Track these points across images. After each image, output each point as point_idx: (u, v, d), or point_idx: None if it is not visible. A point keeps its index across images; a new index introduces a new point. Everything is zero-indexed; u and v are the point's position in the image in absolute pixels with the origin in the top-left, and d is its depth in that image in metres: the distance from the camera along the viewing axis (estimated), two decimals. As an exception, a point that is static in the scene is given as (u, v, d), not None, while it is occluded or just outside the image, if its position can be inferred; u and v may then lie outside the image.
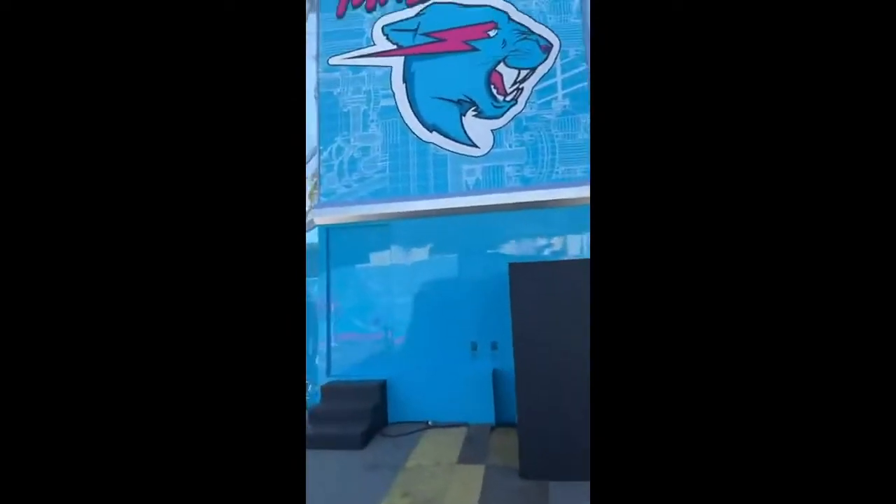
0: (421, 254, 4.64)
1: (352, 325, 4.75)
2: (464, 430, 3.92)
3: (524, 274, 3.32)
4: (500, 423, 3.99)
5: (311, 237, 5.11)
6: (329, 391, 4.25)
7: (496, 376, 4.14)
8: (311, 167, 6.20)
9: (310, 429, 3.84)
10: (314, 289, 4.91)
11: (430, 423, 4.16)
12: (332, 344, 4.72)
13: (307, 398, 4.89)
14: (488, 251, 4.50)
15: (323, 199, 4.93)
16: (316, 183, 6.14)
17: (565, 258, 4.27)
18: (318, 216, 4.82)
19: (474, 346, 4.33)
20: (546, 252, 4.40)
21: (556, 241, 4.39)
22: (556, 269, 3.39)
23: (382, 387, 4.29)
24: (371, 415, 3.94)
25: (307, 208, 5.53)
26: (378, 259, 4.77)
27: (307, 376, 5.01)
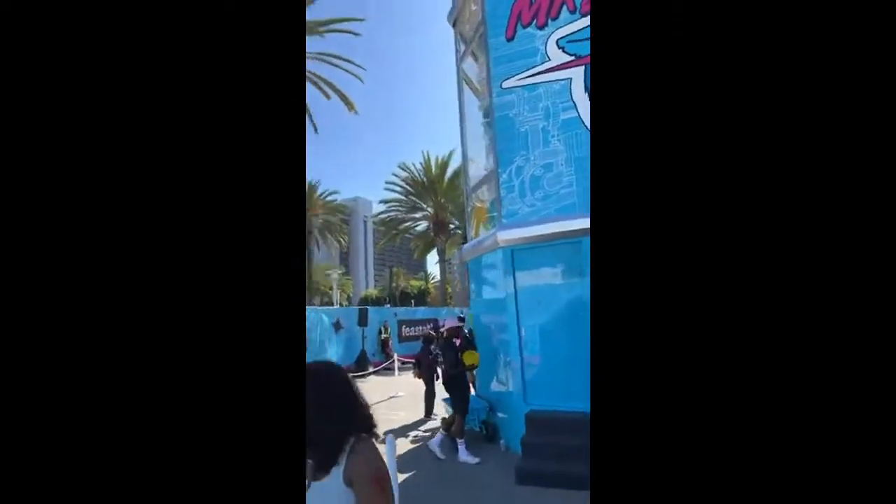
0: (619, 273, 4.19)
1: (542, 350, 4.48)
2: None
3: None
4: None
5: (493, 259, 5.07)
6: (534, 422, 4.00)
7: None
8: (487, 191, 6.30)
9: (524, 463, 3.62)
10: (504, 315, 4.81)
11: (654, 468, 3.59)
12: (525, 369, 4.51)
13: (495, 421, 4.73)
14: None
15: (505, 220, 4.86)
16: (485, 207, 6.19)
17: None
18: (502, 237, 4.75)
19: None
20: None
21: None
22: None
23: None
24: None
25: (490, 234, 5.54)
26: (568, 279, 4.46)
27: (500, 403, 4.87)
